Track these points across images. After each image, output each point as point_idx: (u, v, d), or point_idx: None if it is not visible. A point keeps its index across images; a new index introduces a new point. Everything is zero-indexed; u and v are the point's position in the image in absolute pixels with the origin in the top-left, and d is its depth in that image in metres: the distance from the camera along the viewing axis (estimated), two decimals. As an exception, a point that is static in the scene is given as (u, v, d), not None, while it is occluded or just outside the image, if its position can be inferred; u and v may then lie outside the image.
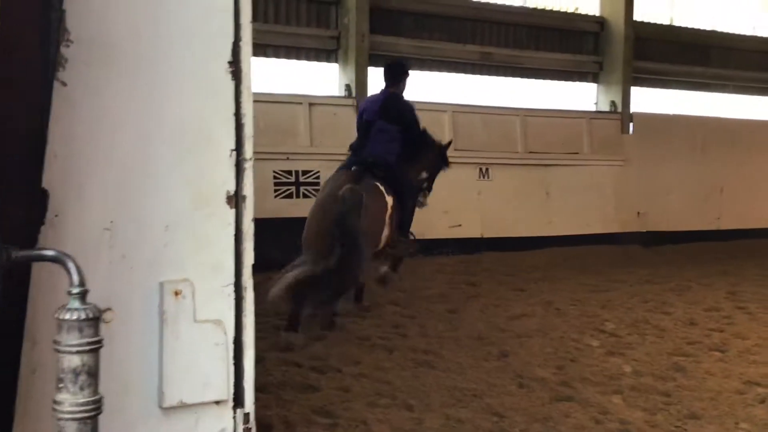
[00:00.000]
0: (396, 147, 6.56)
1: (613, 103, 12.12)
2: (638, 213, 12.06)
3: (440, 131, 10.59)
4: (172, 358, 1.89)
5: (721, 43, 13.50)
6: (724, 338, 5.99)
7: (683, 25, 13.17)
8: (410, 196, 6.78)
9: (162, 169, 1.89)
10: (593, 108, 12.37)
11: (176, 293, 1.89)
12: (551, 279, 8.86)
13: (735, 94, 13.89)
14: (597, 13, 12.27)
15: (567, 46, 12.09)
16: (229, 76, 1.96)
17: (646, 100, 12.93)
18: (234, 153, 1.96)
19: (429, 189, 7.38)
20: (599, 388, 4.63)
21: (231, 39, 1.95)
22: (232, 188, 1.96)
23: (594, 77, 12.41)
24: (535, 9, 11.85)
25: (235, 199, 1.97)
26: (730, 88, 13.80)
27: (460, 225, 10.76)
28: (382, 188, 6.19)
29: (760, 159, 13.29)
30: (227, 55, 1.95)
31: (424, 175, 7.22)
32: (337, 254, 5.43)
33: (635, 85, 12.39)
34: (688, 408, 4.28)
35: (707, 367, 5.14)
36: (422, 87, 11.24)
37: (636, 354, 5.48)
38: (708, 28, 13.41)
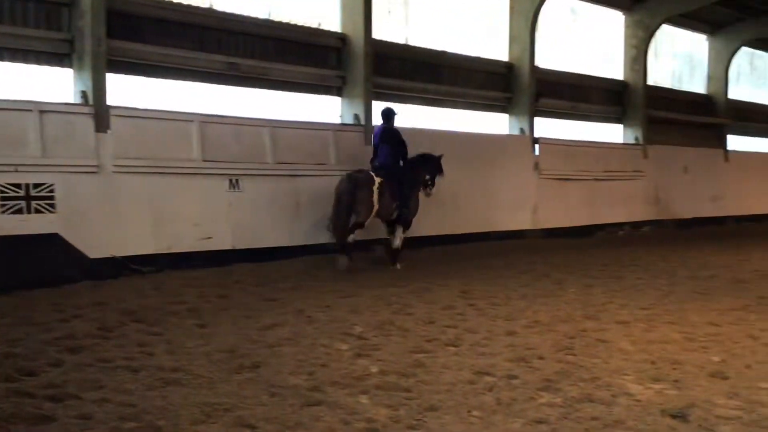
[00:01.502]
0: (392, 157, 11.00)
1: (356, 116, 12.68)
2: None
3: (186, 142, 10.41)
4: None
5: (452, 63, 14.74)
6: (457, 334, 6.51)
7: (417, 45, 14.17)
8: (407, 184, 11.00)
9: None
10: (339, 121, 12.83)
11: None
12: (302, 287, 9.03)
13: (464, 110, 15.21)
14: (339, 30, 12.76)
15: (312, 60, 12.44)
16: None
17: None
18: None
19: (432, 185, 11.49)
20: (348, 390, 4.80)
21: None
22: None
23: (338, 91, 12.89)
24: (280, 22, 12.03)
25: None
26: (460, 105, 15.10)
27: (210, 237, 10.58)
28: (373, 175, 10.63)
29: (489, 169, 14.68)
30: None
31: (427, 177, 11.43)
32: (350, 201, 10.30)
33: (376, 99, 13.06)
34: (428, 401, 4.59)
35: (444, 361, 5.55)
36: (167, 96, 10.92)
37: (382, 354, 5.76)
38: (440, 48, 14.56)
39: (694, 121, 20.86)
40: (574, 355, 5.75)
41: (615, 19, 18.60)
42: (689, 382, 4.97)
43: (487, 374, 5.20)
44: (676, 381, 5.01)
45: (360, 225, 10.61)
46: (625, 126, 18.87)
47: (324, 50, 12.69)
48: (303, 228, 11.66)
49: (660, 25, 18.48)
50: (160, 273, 9.58)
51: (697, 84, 21.67)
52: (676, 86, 20.99)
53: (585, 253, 13.37)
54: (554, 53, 17.11)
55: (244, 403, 4.50)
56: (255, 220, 11.13)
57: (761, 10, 19.94)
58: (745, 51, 22.63)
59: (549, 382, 4.98)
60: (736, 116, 22.42)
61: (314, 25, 12.55)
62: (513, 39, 15.73)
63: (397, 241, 11.18)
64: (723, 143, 21.74)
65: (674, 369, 5.32)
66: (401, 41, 13.96)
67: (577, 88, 17.60)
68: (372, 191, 10.50)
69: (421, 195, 11.59)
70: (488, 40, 15.65)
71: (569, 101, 17.36)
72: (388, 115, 11.25)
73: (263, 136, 11.37)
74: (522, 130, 15.70)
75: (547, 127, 16.58)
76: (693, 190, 20.17)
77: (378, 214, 10.79)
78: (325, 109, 12.86)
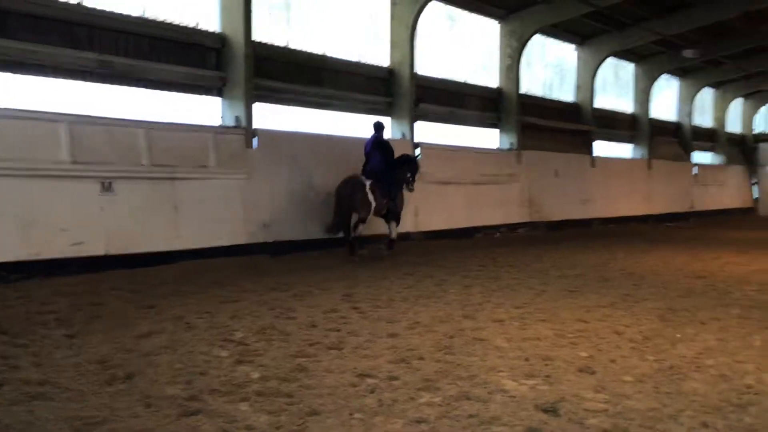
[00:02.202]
0: (382, 163, 12.74)
1: (237, 119, 12.47)
2: (264, 224, 12.59)
3: (54, 143, 9.90)
4: None
5: (333, 66, 14.79)
6: (340, 337, 6.52)
7: (299, 48, 14.11)
8: (394, 184, 12.93)
9: None
10: (219, 123, 12.58)
11: None
12: (181, 293, 8.78)
13: (345, 113, 15.28)
14: (218, 30, 12.52)
15: (190, 60, 12.14)
16: None
17: (271, 116, 13.55)
18: None
19: (413, 181, 13.30)
20: (227, 398, 4.71)
21: None
22: None
23: (218, 92, 12.64)
24: (155, 20, 11.66)
25: None
26: (341, 108, 15.17)
27: (82, 242, 10.10)
28: (363, 179, 12.51)
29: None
30: None
31: (408, 175, 13.23)
32: (341, 205, 12.39)
33: (258, 101, 12.92)
34: (309, 406, 4.57)
35: (326, 365, 5.55)
36: (35, 94, 10.35)
37: (263, 360, 5.68)
38: (321, 52, 14.57)
39: (564, 127, 21.92)
40: (453, 354, 5.89)
41: (491, 28, 19.25)
42: (560, 377, 5.21)
43: (369, 376, 5.24)
44: (547, 376, 5.23)
45: (363, 221, 12.70)
46: (500, 131, 19.56)
47: (203, 50, 12.42)
48: (182, 232, 11.35)
49: (532, 35, 19.29)
50: (29, 280, 9.06)
51: (566, 92, 22.78)
52: (548, 94, 21.97)
53: (464, 255, 13.75)
54: (434, 60, 17.50)
55: (117, 416, 4.33)
56: (130, 224, 10.72)
57: (625, 23, 21.20)
58: (610, 61, 23.99)
59: (429, 382, 5.08)
60: (601, 124, 23.75)
61: (192, 25, 12.25)
62: (394, 45, 15.97)
63: (393, 234, 13.38)
64: (590, 149, 22.95)
65: (546, 365, 5.55)
66: (283, 44, 13.86)
67: (456, 95, 18.09)
68: (366, 193, 12.43)
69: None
70: (370, 46, 15.81)
71: (448, 107, 17.81)
72: (378, 127, 13.15)
73: (138, 137, 10.98)
74: (403, 135, 15.96)
75: (427, 132, 16.94)
76: (563, 194, 21.18)
77: (374, 211, 12.76)
78: (205, 110, 12.58)
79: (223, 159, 12.06)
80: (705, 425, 4.18)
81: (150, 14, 11.66)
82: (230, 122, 12.53)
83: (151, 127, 11.17)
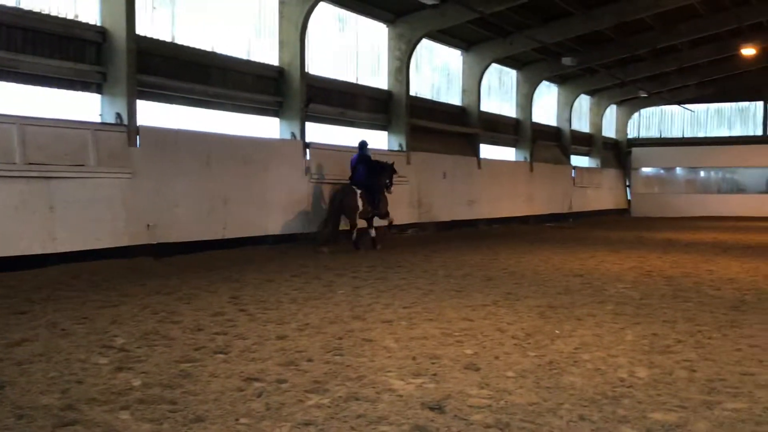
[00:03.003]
0: (366, 175, 14.99)
1: (118, 116, 12.00)
2: (148, 225, 12.18)
3: None
4: None
5: (221, 64, 14.50)
6: (227, 340, 6.39)
7: (185, 43, 13.74)
8: (378, 191, 15.18)
9: None
10: (99, 119, 12.06)
11: None
12: (57, 298, 8.36)
13: (234, 113, 15.02)
14: (98, 23, 12.01)
15: (67, 54, 11.58)
16: None
17: (155, 114, 13.12)
18: None
19: (390, 185, 15.50)
20: (107, 407, 4.52)
21: None
22: None
23: (98, 88, 12.12)
24: (30, 11, 11.06)
25: None
26: (230, 107, 14.89)
27: (-55, 245, 9.44)
28: (355, 188, 14.79)
29: (257, 172, 14.62)
30: None
31: (387, 181, 15.36)
32: (334, 211, 14.75)
33: (141, 98, 12.48)
34: (194, 412, 4.44)
35: (212, 369, 5.42)
36: None
37: (145, 366, 5.49)
38: (208, 49, 14.24)
39: (452, 130, 22.45)
40: (342, 355, 5.90)
41: (380, 31, 19.44)
42: (446, 375, 5.31)
43: (257, 380, 5.16)
44: (434, 375, 5.32)
45: (354, 225, 15.01)
46: (389, 133, 19.78)
47: (81, 44, 11.87)
48: (59, 234, 10.81)
49: (420, 39, 19.64)
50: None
51: (453, 96, 23.32)
52: (436, 97, 22.44)
53: (354, 256, 13.80)
54: (325, 61, 17.49)
55: (-15, 430, 4.06)
56: (2, 225, 10.11)
57: (508, 30, 21.94)
58: (494, 67, 24.77)
59: (317, 384, 5.05)
60: (487, 127, 24.47)
61: (70, 17, 11.69)
62: (283, 44, 15.83)
63: (389, 221, 15.94)
64: (476, 151, 23.60)
65: (433, 363, 5.65)
66: (168, 39, 13.46)
67: (346, 96, 18.15)
68: (357, 198, 14.82)
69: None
70: (260, 44, 15.61)
71: (338, 108, 17.84)
72: (362, 145, 15.50)
73: (11, 133, 10.37)
74: (293, 135, 15.85)
75: (318, 133, 16.89)
76: (451, 195, 21.67)
77: (360, 214, 15.02)
78: (84, 106, 12.02)
79: (103, 158, 11.57)
80: (582, 418, 4.37)
81: (25, 4, 11.04)
82: (111, 119, 12.03)
83: (24, 124, 10.57)
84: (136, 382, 5.06)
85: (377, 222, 15.77)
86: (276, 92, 15.83)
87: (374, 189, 15.17)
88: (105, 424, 4.23)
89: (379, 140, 19.60)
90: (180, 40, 13.70)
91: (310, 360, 5.73)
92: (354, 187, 14.96)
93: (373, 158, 15.47)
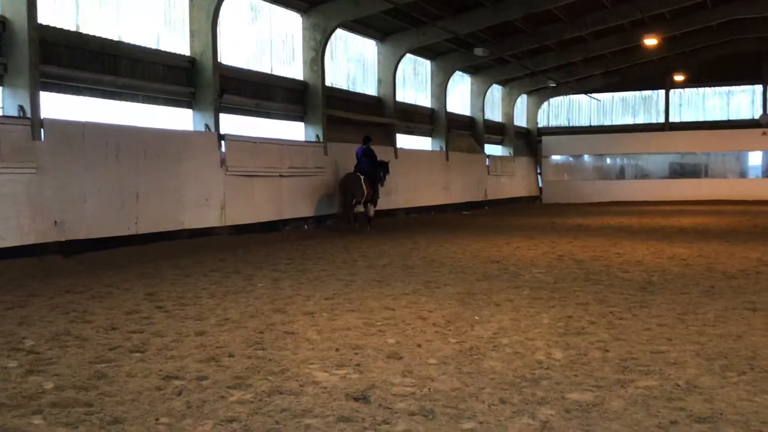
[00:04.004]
0: (369, 166, 18.52)
1: (21, 108, 11.44)
2: (55, 222, 11.69)
3: None
4: None
5: (129, 54, 14.02)
6: (143, 339, 6.22)
7: (91, 33, 13.22)
8: (376, 181, 18.75)
9: None
10: (0, 113, 11.47)
11: None
12: (-42, 301, 7.93)
13: (144, 104, 14.57)
14: (-3, 11, 11.42)
15: (-37, 43, 10.96)
16: None
17: (61, 106, 12.58)
18: None
19: (384, 179, 19.22)
20: (17, 412, 4.32)
21: None
22: None
23: (-1, 79, 11.53)
24: None
25: None
26: (140, 98, 14.44)
27: None
28: (360, 175, 17.95)
29: (169, 166, 14.24)
30: None
31: (382, 174, 19.00)
32: (345, 192, 17.94)
33: (45, 90, 11.94)
34: (111, 414, 4.30)
35: (128, 369, 5.26)
36: None
37: (58, 368, 5.28)
38: (115, 38, 13.75)
39: (368, 120, 22.48)
40: (264, 349, 5.83)
41: (294, 21, 19.25)
42: (369, 365, 5.33)
43: (176, 378, 5.04)
44: (357, 365, 5.33)
45: (359, 202, 18.21)
46: (306, 124, 19.63)
47: (-22, 33, 11.25)
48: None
49: (335, 29, 19.56)
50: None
51: (369, 86, 23.35)
52: (352, 88, 22.41)
53: (273, 248, 13.68)
54: (239, 51, 17.19)
55: None
56: None
57: (422, 21, 22.12)
58: (409, 57, 24.94)
59: (240, 379, 4.98)
60: (402, 117, 24.64)
61: (-35, 4, 11.07)
62: (194, 33, 15.46)
63: (371, 212, 18.88)
64: (393, 141, 23.73)
65: (356, 354, 5.66)
66: (73, 28, 12.92)
67: (261, 86, 17.90)
68: (362, 184, 17.89)
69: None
70: (171, 33, 15.18)
71: (253, 98, 17.58)
72: (366, 139, 18.98)
73: None
74: (207, 127, 15.52)
75: (233, 124, 16.60)
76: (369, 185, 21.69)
77: (365, 197, 18.16)
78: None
79: (5, 152, 11.01)
80: (503, 401, 4.46)
81: None
82: (13, 112, 11.47)
83: None
84: (49, 385, 4.86)
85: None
86: (188, 83, 15.45)
87: (375, 177, 18.71)
88: (16, 429, 4.04)
89: (296, 131, 19.44)
90: (85, 30, 13.16)
91: (231, 355, 5.64)
92: (359, 174, 18.17)
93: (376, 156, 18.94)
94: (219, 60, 15.80)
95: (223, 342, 6.08)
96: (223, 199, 15.61)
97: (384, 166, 19.20)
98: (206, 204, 15.15)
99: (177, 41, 15.32)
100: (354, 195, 17.87)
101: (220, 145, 15.62)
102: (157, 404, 4.49)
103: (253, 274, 10.20)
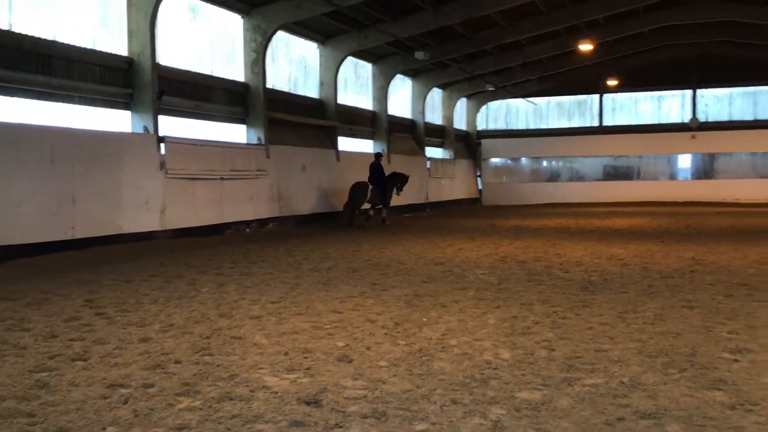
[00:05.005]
0: (379, 178, 21.39)
1: (-50, 109, 11.01)
2: (-13, 227, 11.28)
3: None
4: None
5: (65, 54, 13.63)
6: (85, 346, 6.05)
7: (24, 32, 12.80)
8: (388, 191, 21.85)
9: None
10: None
11: None
12: None
13: (81, 105, 14.17)
14: (-77, 7, 10.95)
15: None
16: None
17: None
18: None
19: (401, 189, 22.52)
20: (-46, 426, 4.16)
21: None
22: None
23: (-76, 79, 11.06)
24: None
25: None
26: (76, 100, 14.04)
27: None
28: (368, 184, 20.89)
29: (106, 169, 13.90)
30: None
31: (398, 184, 22.23)
32: (354, 198, 20.64)
33: (-25, 90, 11.51)
34: (55, 424, 4.18)
35: (71, 378, 5.11)
36: None
37: (-4, 379, 5.10)
38: (50, 38, 13.35)
39: (310, 123, 22.40)
40: (212, 355, 5.75)
41: (235, 22, 19.03)
42: (320, 369, 5.31)
43: (122, 386, 4.93)
44: (308, 369, 5.31)
45: (358, 207, 20.53)
46: (248, 126, 19.44)
47: None
48: None
49: (276, 31, 19.42)
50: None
51: (311, 89, 23.26)
52: (293, 90, 22.28)
53: (216, 252, 13.49)
54: (178, 52, 16.90)
55: None
56: None
57: (363, 24, 22.16)
58: (350, 60, 24.94)
59: (188, 386, 4.90)
60: (344, 119, 24.63)
61: None
62: (132, 34, 15.13)
63: (384, 214, 21.67)
64: (335, 144, 23.70)
65: (305, 357, 5.63)
66: (5, 27, 12.48)
67: (201, 88, 17.64)
68: (367, 192, 20.44)
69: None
70: (107, 33, 14.82)
71: (193, 100, 17.31)
72: (378, 156, 22.08)
73: None
74: (146, 129, 15.21)
75: (173, 126, 16.31)
76: (311, 188, 21.64)
77: (369, 202, 20.79)
78: None
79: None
80: (454, 401, 4.51)
81: None
82: (-59, 113, 11.03)
83: None
84: (-13, 397, 4.69)
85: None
86: (126, 84, 15.11)
87: (384, 188, 21.41)
88: (-46, 444, 3.89)
89: (237, 134, 19.22)
90: (18, 29, 12.74)
91: (177, 362, 5.54)
92: (368, 183, 20.85)
93: (383, 169, 21.70)
94: (158, 61, 15.51)
95: (169, 348, 5.97)
96: (163, 203, 15.32)
97: (401, 177, 22.16)
98: (146, 207, 14.85)
99: (114, 41, 14.97)
100: (354, 200, 20.38)
101: (159, 148, 15.32)
102: (103, 413, 4.39)
103: (197, 278, 10.03)
